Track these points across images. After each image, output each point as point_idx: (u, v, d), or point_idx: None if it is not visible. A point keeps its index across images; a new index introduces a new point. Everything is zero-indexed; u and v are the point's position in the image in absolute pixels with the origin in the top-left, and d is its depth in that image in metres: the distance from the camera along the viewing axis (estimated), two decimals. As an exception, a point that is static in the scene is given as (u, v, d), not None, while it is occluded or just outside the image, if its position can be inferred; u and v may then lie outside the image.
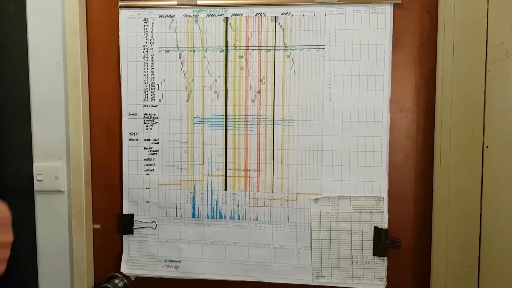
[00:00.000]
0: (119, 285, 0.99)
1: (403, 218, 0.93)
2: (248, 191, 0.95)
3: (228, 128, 0.94)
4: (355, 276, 0.92)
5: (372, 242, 0.91)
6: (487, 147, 0.83)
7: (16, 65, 0.97)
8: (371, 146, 0.90)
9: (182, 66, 0.95)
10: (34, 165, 0.99)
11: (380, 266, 0.91)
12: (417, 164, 0.92)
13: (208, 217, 0.96)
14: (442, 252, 0.88)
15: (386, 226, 0.90)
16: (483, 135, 0.84)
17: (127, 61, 0.96)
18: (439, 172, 0.88)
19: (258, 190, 0.94)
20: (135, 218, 0.99)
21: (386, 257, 0.91)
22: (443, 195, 0.88)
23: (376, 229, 0.91)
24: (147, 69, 0.96)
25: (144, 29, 0.95)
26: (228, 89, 0.94)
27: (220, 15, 0.93)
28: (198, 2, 0.93)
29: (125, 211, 0.99)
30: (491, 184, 0.81)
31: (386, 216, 0.90)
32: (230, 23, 0.93)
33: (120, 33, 0.96)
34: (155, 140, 0.97)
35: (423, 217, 0.92)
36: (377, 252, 0.91)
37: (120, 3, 0.95)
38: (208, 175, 0.96)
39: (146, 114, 0.96)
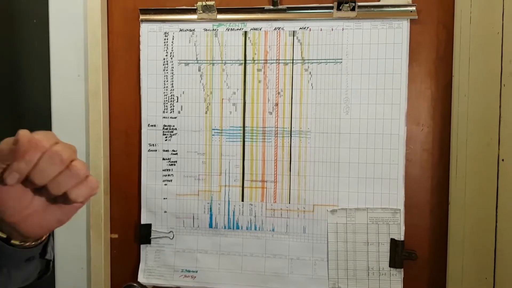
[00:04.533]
0: (136, 294, 1.00)
1: (419, 230, 0.93)
2: (265, 202, 0.96)
3: (245, 139, 0.96)
4: (372, 287, 0.92)
5: (388, 253, 0.92)
6: (503, 160, 0.84)
7: (38, 76, 0.99)
8: (387, 159, 0.91)
9: (201, 78, 0.96)
10: (54, 174, 1.00)
11: (396, 277, 0.92)
12: (433, 176, 0.93)
13: (225, 227, 0.98)
14: (458, 264, 0.89)
15: (402, 238, 0.91)
16: (498, 148, 0.85)
17: (147, 73, 0.98)
18: (455, 184, 0.89)
19: (275, 201, 0.96)
20: (152, 228, 1.00)
21: (402, 269, 0.92)
22: (459, 207, 0.89)
23: (393, 241, 0.92)
24: (167, 81, 0.97)
25: (164, 42, 0.97)
26: (246, 102, 0.96)
27: (239, 30, 0.95)
28: (218, 17, 0.95)
29: (143, 221, 1.00)
30: (506, 197, 0.82)
31: (403, 228, 0.91)
32: (249, 37, 0.95)
33: (141, 46, 0.98)
34: (174, 151, 0.98)
35: (439, 229, 0.93)
36: (393, 263, 0.92)
37: (141, 17, 0.97)
38: (225, 186, 0.97)
39: (165, 126, 0.98)
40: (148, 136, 0.99)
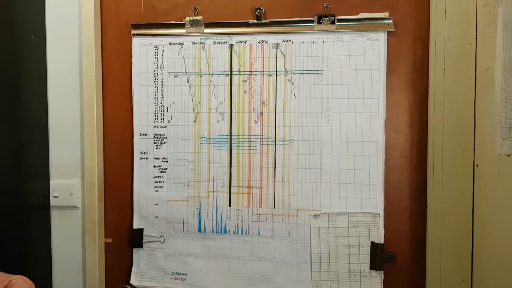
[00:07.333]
0: (129, 296, 1.04)
1: (399, 233, 0.97)
2: (251, 207, 1.00)
3: (232, 147, 1.00)
4: (353, 289, 0.96)
5: (369, 256, 0.95)
6: (477, 165, 0.87)
7: (35, 89, 1.04)
8: (367, 165, 0.95)
9: (190, 89, 1.01)
10: (51, 182, 1.05)
11: (377, 279, 0.95)
12: (411, 182, 0.96)
13: (213, 231, 1.02)
14: (436, 266, 0.92)
15: (382, 241, 0.95)
16: (474, 154, 0.88)
17: (139, 85, 1.03)
18: (432, 189, 0.92)
19: (261, 206, 1.00)
20: (144, 232, 1.04)
21: (382, 271, 0.95)
22: (436, 211, 0.92)
23: (373, 244, 0.95)
24: (158, 92, 1.02)
25: (155, 55, 1.02)
26: (233, 111, 1.00)
27: (226, 43, 1.00)
28: (205, 31, 1.00)
29: (135, 226, 1.05)
30: (482, 201, 0.86)
31: (382, 231, 0.95)
32: (234, 50, 0.99)
33: (133, 59, 1.03)
34: (164, 158, 1.03)
35: (417, 232, 0.96)
36: (373, 266, 0.95)
37: (133, 32, 1.02)
38: (213, 191, 1.01)
39: (156, 135, 1.03)
40: (140, 144, 1.04)
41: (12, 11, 0.98)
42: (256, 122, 0.99)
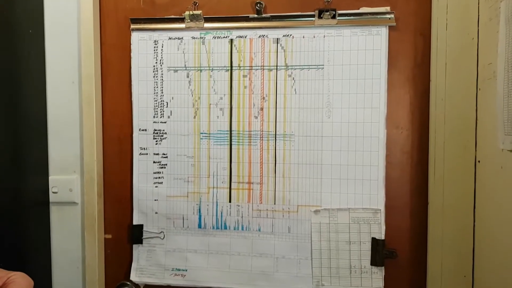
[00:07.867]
0: (129, 292, 1.04)
1: (400, 229, 0.97)
2: (251, 203, 1.00)
3: (232, 143, 1.00)
4: (354, 285, 0.95)
5: (369, 252, 0.95)
6: (479, 161, 0.87)
7: (34, 83, 1.03)
8: (368, 161, 0.95)
9: (190, 85, 1.00)
10: (50, 178, 1.05)
11: (378, 275, 0.95)
12: (412, 178, 0.96)
13: (213, 227, 1.01)
14: (437, 262, 0.92)
15: (383, 237, 0.94)
16: (475, 150, 0.88)
17: (138, 80, 1.02)
18: (434, 185, 0.92)
19: (261, 202, 0.99)
20: (144, 228, 1.04)
21: (383, 267, 0.95)
22: (437, 207, 0.92)
23: (374, 240, 0.95)
24: (157, 87, 1.02)
25: (154, 50, 1.01)
26: (233, 106, 0.99)
27: (226, 37, 0.99)
28: (205, 25, 0.99)
29: (135, 222, 1.04)
30: (483, 197, 0.85)
31: (383, 227, 0.95)
32: (234, 45, 0.99)
33: (132, 54, 1.02)
34: (164, 154, 1.02)
35: (418, 228, 0.96)
36: (374, 262, 0.95)
37: (132, 26, 1.01)
38: (213, 187, 1.01)
39: (155, 130, 1.02)
40: (139, 140, 1.03)
41: (10, 5, 0.97)
42: (256, 117, 0.99)
